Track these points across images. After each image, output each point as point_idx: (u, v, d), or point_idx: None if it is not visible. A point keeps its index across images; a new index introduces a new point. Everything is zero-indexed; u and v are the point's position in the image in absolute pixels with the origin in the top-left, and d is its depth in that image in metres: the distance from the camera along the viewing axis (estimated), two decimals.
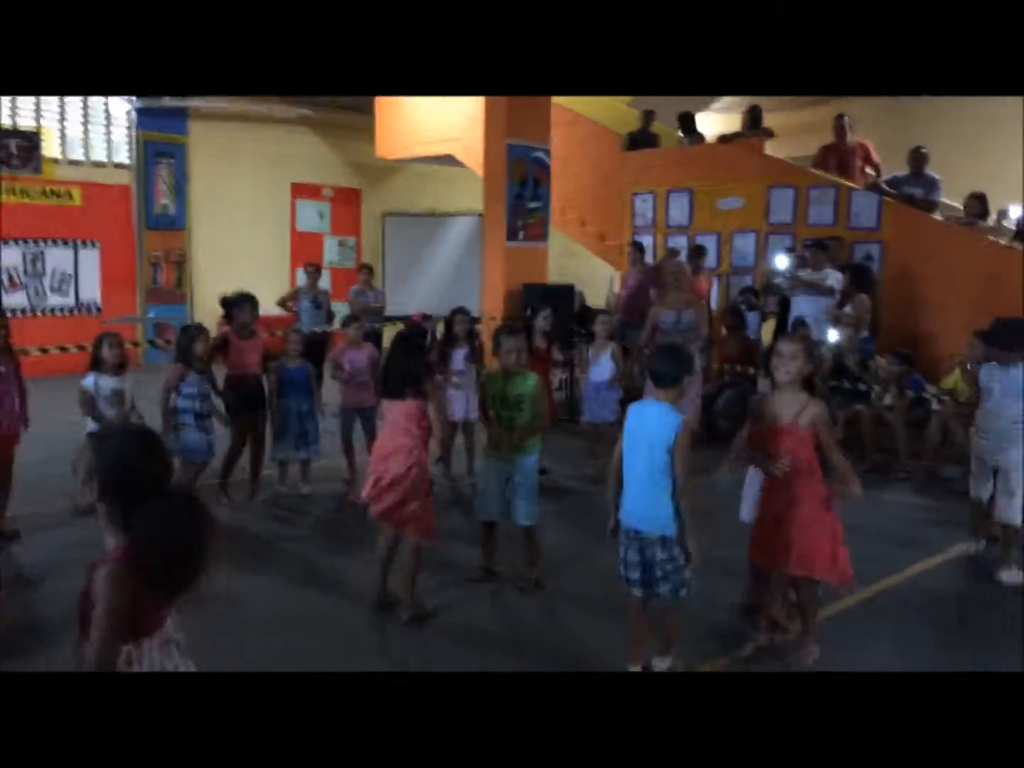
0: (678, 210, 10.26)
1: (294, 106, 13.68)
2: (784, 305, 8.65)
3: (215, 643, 3.47)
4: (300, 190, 14.75)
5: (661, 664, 3.70)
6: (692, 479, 3.44)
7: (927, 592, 4.80)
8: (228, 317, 6.32)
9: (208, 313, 12.99)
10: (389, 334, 10.03)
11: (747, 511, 4.24)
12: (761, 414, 3.85)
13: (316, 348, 8.29)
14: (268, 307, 10.02)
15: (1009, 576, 4.88)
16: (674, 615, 3.65)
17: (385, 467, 4.26)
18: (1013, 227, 8.32)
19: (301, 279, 10.51)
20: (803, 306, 7.99)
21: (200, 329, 5.97)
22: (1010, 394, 4.80)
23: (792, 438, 3.73)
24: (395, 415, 4.31)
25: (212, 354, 6.06)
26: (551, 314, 7.20)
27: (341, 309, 10.87)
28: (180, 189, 13.27)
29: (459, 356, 6.81)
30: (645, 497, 3.47)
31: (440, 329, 7.34)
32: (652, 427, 3.46)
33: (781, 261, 7.58)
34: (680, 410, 3.53)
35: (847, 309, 7.82)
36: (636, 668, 3.68)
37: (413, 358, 4.30)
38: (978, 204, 8.40)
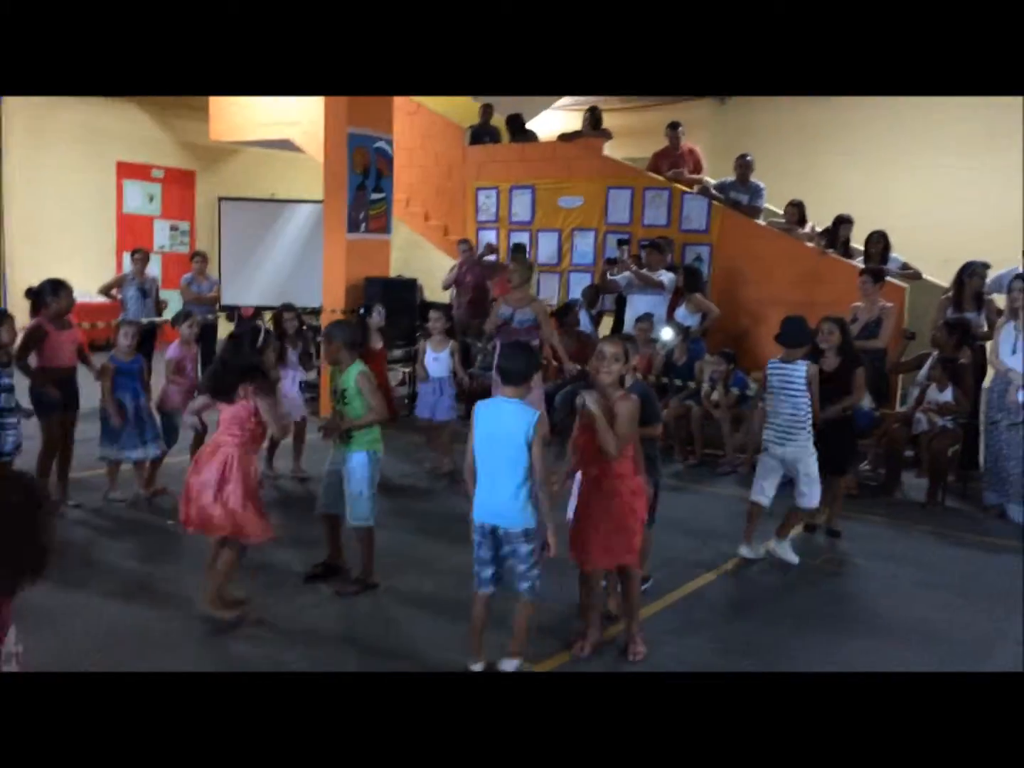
0: (521, 206, 10.38)
1: None
2: (620, 303, 8.92)
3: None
4: (127, 170, 13.95)
5: (509, 665, 3.73)
6: (551, 472, 3.56)
7: (750, 582, 5.08)
8: (36, 308, 5.82)
9: (20, 299, 12.12)
10: (224, 327, 9.70)
11: (572, 509, 4.32)
12: (581, 412, 3.93)
13: (144, 340, 7.87)
14: (90, 294, 9.49)
15: (784, 552, 5.22)
16: (525, 614, 3.70)
17: (199, 475, 4.13)
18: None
19: (128, 265, 9.95)
20: (640, 304, 8.27)
21: (5, 315, 5.50)
22: (789, 389, 5.10)
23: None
24: (222, 416, 4.21)
25: (25, 345, 5.64)
26: (384, 310, 7.11)
27: (172, 298, 10.41)
28: None
29: (293, 355, 6.66)
30: (504, 492, 3.53)
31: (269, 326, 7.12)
32: (509, 423, 3.52)
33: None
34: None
35: (682, 308, 8.16)
36: (479, 665, 3.71)
37: (241, 358, 4.18)
38: (796, 211, 8.94)
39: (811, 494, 5.18)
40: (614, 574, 4.18)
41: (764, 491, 5.25)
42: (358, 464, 4.54)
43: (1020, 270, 7.09)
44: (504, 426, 3.54)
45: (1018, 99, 10.74)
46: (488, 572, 3.63)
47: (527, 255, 9.68)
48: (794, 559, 5.22)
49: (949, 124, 11.66)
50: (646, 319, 7.88)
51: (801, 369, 5.09)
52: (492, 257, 9.88)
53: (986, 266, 7.24)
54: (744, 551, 5.28)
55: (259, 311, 6.92)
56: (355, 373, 4.51)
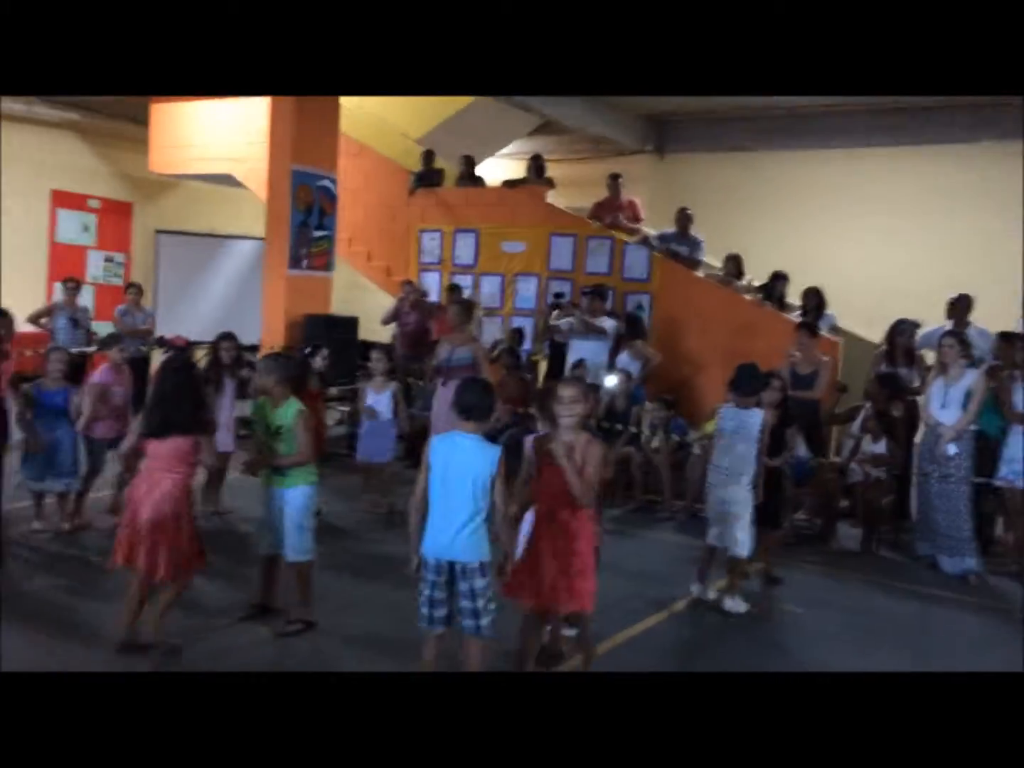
0: (464, 249, 10.42)
1: (59, 109, 12.66)
2: (555, 349, 8.90)
3: None
4: (62, 199, 13.62)
5: None
6: (510, 506, 3.63)
7: (687, 628, 5.07)
8: None
9: None
10: (157, 357, 9.46)
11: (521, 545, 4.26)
12: (541, 454, 3.91)
13: (74, 370, 7.60)
14: (19, 323, 9.18)
15: (733, 604, 5.23)
16: (477, 652, 3.64)
17: (138, 514, 3.97)
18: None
19: (59, 294, 9.67)
20: (582, 350, 8.31)
21: None
22: (740, 434, 5.17)
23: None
24: (158, 452, 4.04)
25: None
26: (328, 353, 7.00)
27: (104, 330, 10.12)
28: None
29: (230, 385, 6.51)
30: (462, 527, 3.49)
31: (203, 356, 6.97)
32: (471, 459, 3.51)
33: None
34: None
35: (624, 355, 8.23)
36: None
37: (185, 391, 4.04)
38: (734, 264, 9.16)
39: (744, 541, 5.21)
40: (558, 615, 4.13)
41: (717, 534, 5.28)
42: (299, 496, 4.45)
43: (948, 328, 7.35)
44: (463, 462, 3.52)
45: (947, 157, 11.25)
46: (442, 612, 3.56)
47: (468, 297, 9.70)
48: (742, 608, 5.23)
49: (879, 182, 12.11)
50: (581, 365, 7.91)
51: (757, 416, 5.15)
52: (433, 298, 9.88)
53: (916, 325, 7.48)
54: (695, 590, 5.31)
55: (191, 344, 6.73)
56: (294, 410, 4.42)
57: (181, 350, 6.38)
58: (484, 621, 3.56)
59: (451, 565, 3.53)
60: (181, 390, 4.04)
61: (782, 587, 5.76)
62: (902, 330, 7.40)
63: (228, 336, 6.70)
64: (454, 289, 9.59)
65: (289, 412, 4.43)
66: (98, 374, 6.12)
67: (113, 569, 4.08)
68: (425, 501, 3.60)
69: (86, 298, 9.94)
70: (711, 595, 5.35)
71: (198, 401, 4.04)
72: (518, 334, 9.30)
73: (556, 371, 8.56)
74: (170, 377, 4.12)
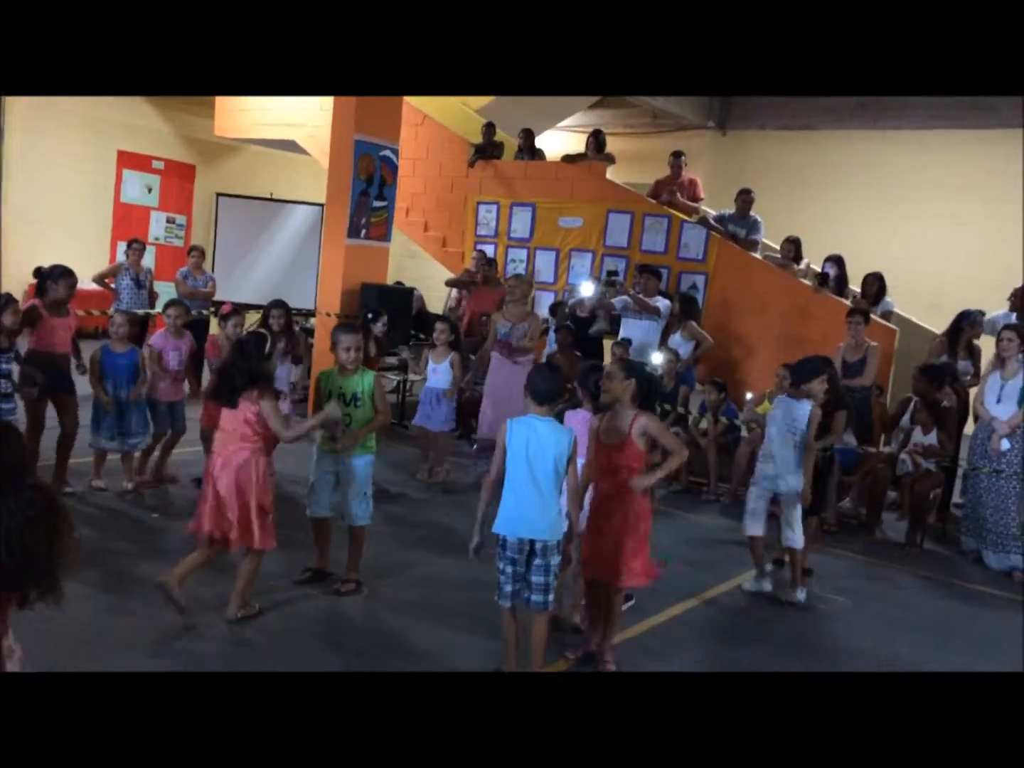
0: (520, 222, 10.44)
1: None
2: (578, 324, 8.77)
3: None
4: (127, 159, 13.92)
5: None
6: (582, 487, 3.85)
7: (729, 611, 5.13)
8: (40, 291, 5.89)
9: (17, 280, 12.05)
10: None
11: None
12: (596, 433, 4.05)
13: (138, 331, 7.85)
14: (83, 281, 9.45)
15: (801, 596, 5.28)
16: (545, 625, 3.79)
17: (217, 484, 4.10)
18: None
19: (123, 254, 9.92)
20: (634, 329, 8.33)
21: (9, 299, 5.52)
22: (790, 425, 5.19)
23: (627, 452, 3.94)
24: (230, 423, 4.17)
25: (18, 327, 5.65)
26: (387, 321, 7.17)
27: (164, 290, 10.38)
28: None
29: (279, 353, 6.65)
30: (539, 507, 3.62)
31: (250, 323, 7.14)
32: (548, 441, 3.63)
33: (587, 288, 7.82)
34: None
35: (676, 335, 8.23)
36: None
37: (251, 361, 4.16)
38: (792, 248, 9.04)
39: (798, 533, 5.24)
40: (586, 587, 4.27)
41: (757, 524, 5.31)
42: (363, 464, 4.60)
43: (1011, 316, 7.24)
44: (540, 444, 3.64)
45: (1017, 143, 10.95)
46: (510, 587, 3.69)
47: (522, 272, 9.77)
48: (802, 598, 5.26)
49: (945, 165, 11.85)
50: (622, 344, 7.88)
51: (805, 408, 5.17)
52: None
53: (982, 314, 7.38)
54: (759, 585, 5.36)
55: (237, 308, 6.83)
56: (371, 377, 4.57)
57: (227, 315, 6.49)
58: (552, 597, 3.73)
59: (532, 542, 3.65)
60: (244, 361, 4.15)
61: (825, 575, 5.77)
62: (972, 322, 7.29)
63: (279, 304, 6.78)
64: (484, 258, 9.71)
65: (367, 380, 4.55)
66: (154, 338, 6.33)
67: (195, 534, 4.22)
68: (500, 483, 3.71)
69: (147, 259, 10.17)
70: (767, 586, 5.38)
71: (262, 374, 4.15)
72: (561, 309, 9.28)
73: (580, 347, 8.49)
74: (237, 349, 4.26)
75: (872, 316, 7.64)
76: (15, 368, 5.53)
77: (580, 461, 4.36)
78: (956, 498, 7.29)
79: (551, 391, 3.71)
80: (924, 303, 9.68)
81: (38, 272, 5.91)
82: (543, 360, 7.43)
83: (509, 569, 3.68)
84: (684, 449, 4.07)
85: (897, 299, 8.49)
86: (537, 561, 3.66)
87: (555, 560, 3.69)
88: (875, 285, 8.21)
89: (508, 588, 3.69)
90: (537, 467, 3.63)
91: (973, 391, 7.02)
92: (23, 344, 5.74)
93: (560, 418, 4.51)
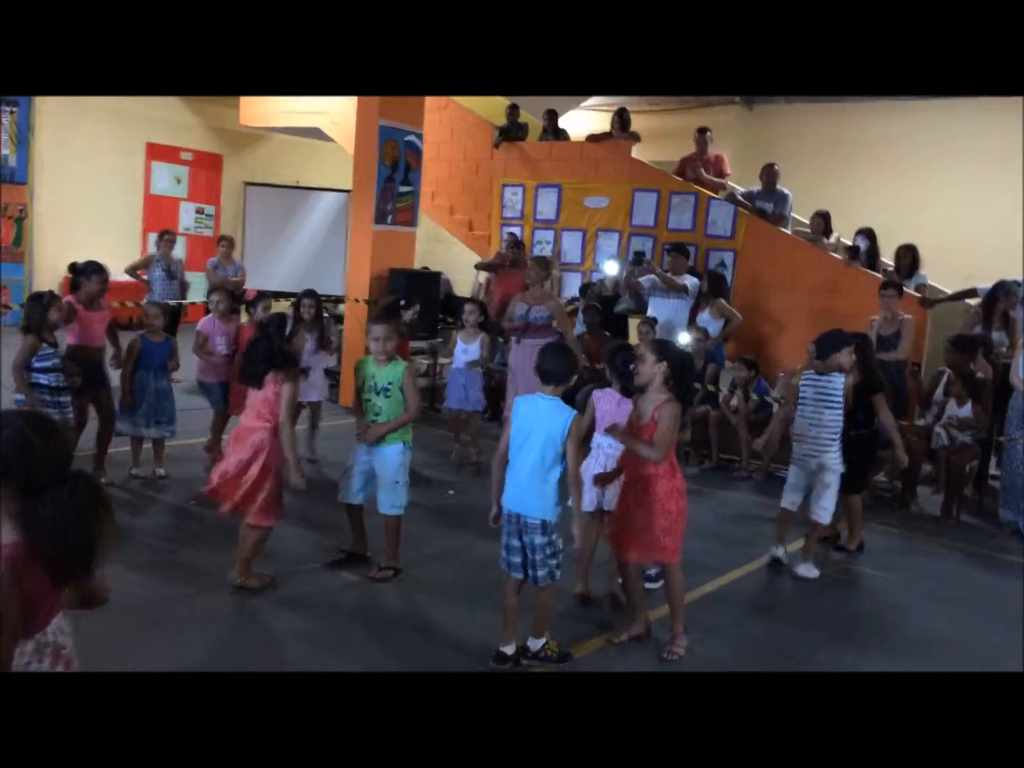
0: (546, 204, 10.42)
1: None
2: (603, 302, 8.78)
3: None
4: (156, 151, 14.06)
5: (536, 644, 3.88)
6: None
7: (764, 587, 5.13)
8: (75, 286, 6.02)
9: (49, 274, 12.24)
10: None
11: (588, 499, 4.33)
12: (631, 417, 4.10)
13: (169, 321, 7.93)
14: (116, 273, 9.58)
15: (806, 570, 5.25)
16: (546, 597, 3.83)
17: (232, 456, 4.32)
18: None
19: (154, 245, 10.04)
20: (662, 308, 8.30)
21: (54, 297, 5.62)
22: (823, 402, 5.16)
23: (646, 436, 3.95)
24: (253, 400, 4.37)
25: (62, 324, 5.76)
26: (419, 309, 7.24)
27: (195, 280, 10.50)
28: (23, 140, 12.39)
29: (310, 341, 6.73)
30: (533, 485, 3.67)
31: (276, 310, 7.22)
32: (546, 420, 3.67)
33: (611, 267, 7.78)
34: None
35: (705, 313, 8.18)
36: (511, 647, 3.83)
37: (272, 344, 4.31)
38: (822, 222, 8.94)
39: (829, 509, 5.22)
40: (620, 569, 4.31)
41: (794, 500, 5.31)
42: (394, 454, 4.64)
43: None
44: (540, 421, 3.69)
45: None
46: (517, 559, 3.75)
47: (545, 254, 9.78)
48: (815, 574, 5.25)
49: (981, 135, 11.63)
50: (648, 322, 7.85)
51: (838, 381, 5.14)
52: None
53: (1018, 284, 7.25)
54: (778, 552, 5.33)
55: (262, 295, 6.91)
56: (402, 368, 4.63)
57: (251, 302, 6.61)
58: (540, 572, 3.72)
59: (518, 516, 3.72)
60: (266, 343, 4.32)
61: (859, 552, 5.74)
62: (1008, 291, 7.16)
63: (310, 294, 6.87)
64: (513, 240, 9.69)
65: (398, 370, 4.60)
66: (202, 323, 6.44)
67: (207, 495, 4.43)
68: (507, 456, 3.78)
69: (177, 249, 10.29)
70: (783, 556, 5.37)
71: (282, 355, 4.30)
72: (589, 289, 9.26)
73: (607, 327, 8.48)
74: (260, 332, 4.42)
75: (905, 289, 7.55)
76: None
77: (602, 440, 4.40)
78: (993, 470, 7.20)
79: (559, 371, 3.74)
80: (958, 276, 9.50)
81: (73, 268, 6.02)
82: (575, 339, 7.43)
83: (504, 540, 3.78)
84: (654, 452, 3.91)
85: (930, 272, 8.37)
86: (524, 538, 3.72)
87: (539, 540, 3.67)
88: (908, 257, 8.10)
89: (504, 556, 3.78)
90: (529, 443, 3.69)
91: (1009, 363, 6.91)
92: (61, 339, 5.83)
93: (587, 397, 4.54)
